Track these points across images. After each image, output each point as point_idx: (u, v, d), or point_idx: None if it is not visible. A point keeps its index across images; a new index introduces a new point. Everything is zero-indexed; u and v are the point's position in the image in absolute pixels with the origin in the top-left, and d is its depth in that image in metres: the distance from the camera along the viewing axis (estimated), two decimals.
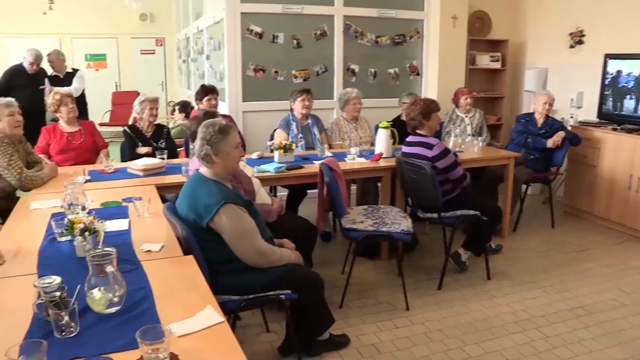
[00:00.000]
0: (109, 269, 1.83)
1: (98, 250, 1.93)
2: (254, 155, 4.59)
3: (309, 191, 4.84)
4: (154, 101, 4.81)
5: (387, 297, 3.79)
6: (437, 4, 6.35)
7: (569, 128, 5.59)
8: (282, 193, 4.99)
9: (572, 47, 6.25)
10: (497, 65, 6.93)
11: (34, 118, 5.33)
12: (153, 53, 11.75)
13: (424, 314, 3.57)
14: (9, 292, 2.08)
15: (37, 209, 3.15)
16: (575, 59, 6.22)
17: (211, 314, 1.80)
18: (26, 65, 6.42)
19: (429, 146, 3.95)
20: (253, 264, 2.59)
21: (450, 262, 4.15)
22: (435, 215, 4.03)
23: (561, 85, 6.32)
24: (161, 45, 11.73)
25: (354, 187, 5.30)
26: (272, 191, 4.96)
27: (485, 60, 6.91)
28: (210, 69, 6.99)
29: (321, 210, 3.80)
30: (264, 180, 3.85)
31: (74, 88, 6.51)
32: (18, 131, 3.77)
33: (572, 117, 6.12)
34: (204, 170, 2.70)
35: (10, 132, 3.71)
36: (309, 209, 4.82)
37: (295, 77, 5.97)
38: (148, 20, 11.36)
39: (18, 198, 3.51)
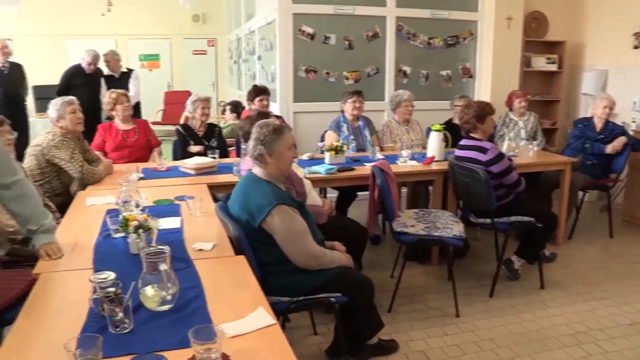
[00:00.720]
0: (163, 266, 1.85)
1: (152, 248, 1.94)
2: (305, 157, 4.59)
3: (358, 193, 4.81)
4: (206, 100, 4.87)
5: (436, 303, 3.72)
6: (491, 4, 6.21)
7: (631, 133, 5.36)
8: (332, 195, 4.97)
9: (636, 47, 5.99)
10: (554, 68, 6.72)
11: (91, 116, 5.47)
12: (205, 53, 11.93)
13: (475, 321, 3.48)
14: (67, 285, 2.13)
15: (92, 205, 3.23)
16: (639, 60, 5.97)
17: (263, 316, 1.79)
18: (84, 65, 6.61)
19: (483, 150, 3.86)
20: (304, 266, 2.58)
21: (503, 269, 4.03)
22: (487, 220, 3.93)
23: (623, 88, 6.06)
24: (213, 45, 11.90)
25: (404, 190, 5.23)
26: (322, 193, 4.95)
27: (541, 62, 6.72)
28: (262, 69, 7.04)
29: (372, 212, 3.76)
30: (314, 182, 3.83)
31: (133, 92, 6.69)
32: (79, 127, 3.90)
33: (634, 122, 5.88)
34: (257, 171, 2.70)
35: (73, 129, 3.84)
36: (358, 211, 4.79)
37: (347, 78, 5.95)
38: (200, 21, 11.54)
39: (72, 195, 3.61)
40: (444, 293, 3.82)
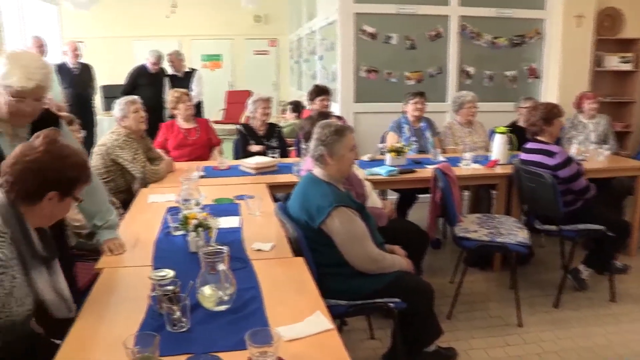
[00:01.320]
0: (221, 266, 1.85)
1: (211, 247, 1.94)
2: (366, 158, 4.54)
3: (419, 195, 4.72)
4: (267, 100, 4.89)
5: (498, 311, 3.59)
6: (559, 2, 5.96)
7: None
8: (392, 197, 4.90)
9: None
10: (629, 67, 6.39)
11: (154, 115, 5.62)
12: (266, 54, 12.05)
13: (539, 332, 3.34)
14: (128, 281, 2.17)
15: (154, 202, 3.28)
16: None
17: (320, 320, 1.76)
18: (148, 65, 6.80)
19: (551, 154, 3.70)
20: (363, 270, 2.53)
21: (569, 279, 3.86)
22: (553, 227, 3.76)
23: None
24: (274, 46, 12.01)
25: (466, 194, 5.10)
26: (382, 195, 4.88)
27: (614, 62, 6.40)
28: (323, 69, 7.03)
29: (433, 216, 3.67)
30: (375, 184, 3.77)
31: (196, 92, 6.84)
32: (142, 126, 3.98)
33: None
34: (318, 172, 2.68)
35: (136, 128, 3.92)
36: (418, 214, 4.69)
37: (408, 78, 5.85)
38: (262, 22, 11.67)
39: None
40: (506, 301, 3.69)
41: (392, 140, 4.76)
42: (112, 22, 10.81)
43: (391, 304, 2.52)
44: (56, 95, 5.87)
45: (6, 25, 5.76)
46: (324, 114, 3.63)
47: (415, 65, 5.87)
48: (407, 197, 4.73)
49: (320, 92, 5.11)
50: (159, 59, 6.84)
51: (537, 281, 4.06)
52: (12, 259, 1.63)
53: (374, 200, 3.38)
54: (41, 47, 5.88)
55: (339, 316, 2.54)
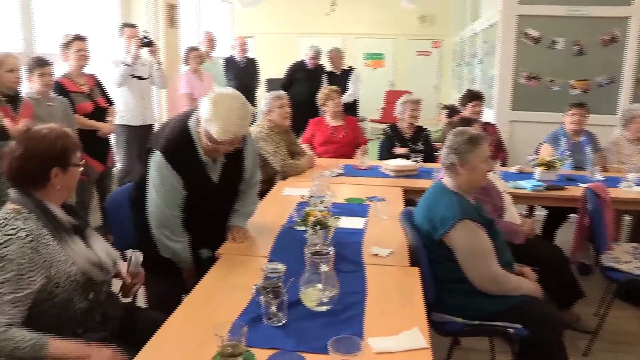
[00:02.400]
0: (324, 268, 1.84)
1: (318, 247, 1.94)
2: (513, 169, 4.27)
3: (570, 215, 4.32)
4: (416, 103, 4.80)
5: None
6: None
7: None
8: (540, 213, 4.55)
9: None
10: None
11: (309, 110, 5.78)
12: (429, 55, 11.86)
13: None
14: (241, 270, 2.24)
15: (287, 195, 3.37)
16: None
17: (416, 337, 1.67)
18: (307, 60, 7.01)
19: None
20: (483, 289, 2.37)
21: None
22: None
23: None
24: (438, 47, 11.77)
25: (627, 219, 4.57)
26: (529, 210, 4.56)
27: None
28: (482, 74, 6.74)
29: (578, 240, 3.33)
30: (517, 198, 3.54)
31: (352, 90, 6.97)
32: (286, 122, 4.11)
33: None
34: (447, 181, 2.56)
35: (280, 122, 4.07)
36: (568, 235, 4.29)
37: (573, 87, 5.38)
38: (427, 23, 11.49)
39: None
40: None
41: (545, 152, 4.41)
42: (278, 19, 11.35)
43: (511, 330, 2.33)
44: (221, 87, 6.30)
45: (184, 21, 6.27)
46: (467, 121, 3.45)
47: (582, 73, 5.36)
48: (556, 216, 4.35)
49: (473, 97, 4.89)
50: (317, 54, 7.02)
51: None
52: (40, 230, 1.78)
53: (512, 215, 3.16)
54: (211, 42, 6.33)
55: (452, 334, 2.42)
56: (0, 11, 4.06)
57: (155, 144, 2.44)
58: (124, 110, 4.78)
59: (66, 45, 4.08)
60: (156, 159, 2.39)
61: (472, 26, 7.78)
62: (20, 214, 1.79)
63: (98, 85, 4.36)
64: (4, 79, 3.21)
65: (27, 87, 3.70)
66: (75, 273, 1.84)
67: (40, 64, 3.67)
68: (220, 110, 2.25)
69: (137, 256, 2.15)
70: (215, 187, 2.53)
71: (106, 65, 4.80)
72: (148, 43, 4.86)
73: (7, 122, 2.94)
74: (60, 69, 4.13)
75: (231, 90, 2.39)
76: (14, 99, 3.30)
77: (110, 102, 4.43)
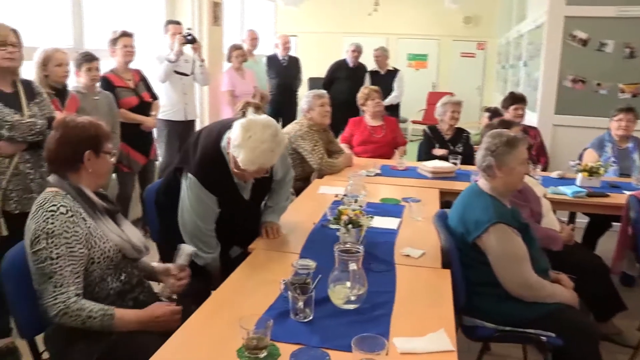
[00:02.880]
0: (352, 266, 1.83)
1: (348, 246, 1.94)
2: (554, 174, 4.17)
3: (614, 223, 4.19)
4: (457, 104, 4.75)
5: None
6: None
7: None
8: (582, 220, 4.43)
9: None
10: None
11: (350, 110, 5.78)
12: (473, 56, 11.69)
13: None
14: (272, 265, 2.27)
15: (323, 194, 3.38)
16: None
17: (442, 339, 1.66)
18: (348, 56, 7.02)
19: None
20: (516, 294, 2.32)
21: None
22: None
23: None
24: (482, 49, 11.59)
25: None
26: (570, 217, 4.44)
27: None
28: (526, 76, 6.61)
29: (620, 249, 3.23)
30: (557, 204, 3.46)
31: (398, 93, 6.98)
32: (326, 120, 4.12)
33: None
34: (482, 183, 2.52)
35: (320, 121, 4.08)
36: (611, 244, 4.16)
37: (622, 91, 5.21)
38: (472, 24, 11.33)
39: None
40: None
41: (589, 158, 4.29)
42: (322, 18, 11.38)
43: (544, 338, 2.28)
44: (262, 84, 6.36)
45: (227, 19, 6.35)
46: (506, 123, 3.39)
47: (633, 76, 5.17)
48: (599, 224, 4.23)
49: (515, 100, 4.79)
50: (358, 48, 7.03)
51: None
52: (77, 208, 1.90)
53: (550, 220, 3.09)
54: (254, 40, 6.39)
55: (482, 339, 2.38)
56: (52, 8, 4.20)
57: (188, 165, 2.47)
58: (166, 105, 4.88)
59: (113, 42, 4.20)
60: (191, 182, 2.42)
61: (517, 27, 7.64)
62: (58, 194, 1.91)
63: (143, 80, 4.47)
64: (53, 73, 3.32)
65: (75, 81, 3.82)
66: (109, 249, 1.94)
67: (88, 59, 3.78)
68: (249, 139, 2.20)
69: (186, 249, 2.20)
70: (247, 203, 2.59)
71: (151, 61, 4.91)
72: (191, 40, 4.94)
73: (57, 114, 3.04)
74: (108, 64, 4.24)
75: (265, 118, 2.30)
76: (61, 93, 3.41)
77: (154, 97, 4.53)
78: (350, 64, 7.04)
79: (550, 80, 5.29)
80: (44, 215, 1.84)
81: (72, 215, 1.86)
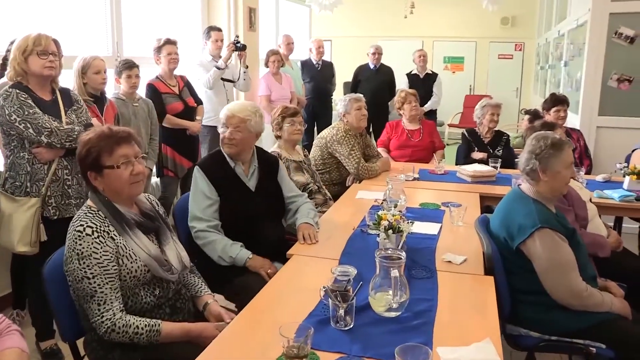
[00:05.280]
0: (394, 273, 1.79)
1: (390, 252, 1.89)
2: (599, 178, 4.04)
3: None
4: (497, 107, 4.65)
5: None
6: None
7: None
8: (631, 225, 4.27)
9: None
10: None
11: (373, 111, 5.70)
12: (511, 58, 11.47)
13: None
14: (311, 271, 2.25)
15: (361, 199, 3.34)
16: None
17: (488, 349, 1.60)
18: (369, 59, 7.05)
19: None
20: (563, 303, 2.23)
21: None
22: None
23: None
24: (520, 50, 11.36)
25: None
26: (616, 222, 4.29)
27: None
28: (567, 77, 6.44)
29: None
30: (603, 208, 3.35)
31: (437, 99, 6.96)
32: (362, 124, 4.10)
33: None
34: (526, 187, 2.44)
35: (356, 125, 4.05)
36: None
37: None
38: (509, 25, 11.13)
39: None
40: None
41: (638, 160, 4.14)
42: (357, 22, 11.34)
43: (593, 349, 2.19)
44: (298, 89, 6.36)
45: (262, 24, 6.37)
46: (548, 125, 3.29)
47: None
48: None
49: (557, 101, 4.66)
50: (377, 48, 7.05)
51: None
52: (107, 226, 1.89)
53: (596, 226, 2.98)
54: (289, 45, 6.39)
55: (527, 348, 2.30)
56: (91, 17, 4.28)
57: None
58: (210, 111, 4.92)
59: (158, 49, 4.27)
60: (195, 172, 2.71)
61: (558, 27, 7.46)
62: (90, 211, 1.92)
63: (187, 85, 4.53)
64: (91, 81, 3.37)
65: (115, 88, 3.87)
66: (137, 270, 1.92)
67: (128, 66, 3.83)
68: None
69: (218, 298, 2.23)
70: (252, 193, 2.75)
71: (191, 67, 4.95)
72: (242, 47, 4.98)
73: (95, 121, 3.09)
74: (146, 71, 4.30)
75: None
76: (99, 100, 3.46)
77: (198, 102, 4.59)
78: (372, 66, 7.01)
79: (593, 80, 5.13)
80: (73, 235, 1.85)
81: (98, 236, 1.85)
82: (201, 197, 2.64)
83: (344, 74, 8.43)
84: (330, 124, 7.10)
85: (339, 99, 4.15)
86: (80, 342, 2.03)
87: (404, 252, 1.89)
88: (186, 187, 4.62)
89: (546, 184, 2.36)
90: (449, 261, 2.35)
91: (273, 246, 2.64)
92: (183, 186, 4.65)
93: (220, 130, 2.73)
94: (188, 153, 4.47)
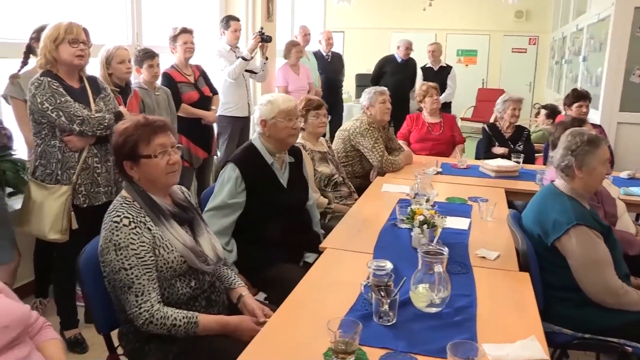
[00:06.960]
0: (438, 268, 1.78)
1: (432, 247, 1.88)
2: (624, 174, 4.01)
3: None
4: (518, 102, 4.62)
5: None
6: None
7: None
8: None
9: None
10: None
11: (397, 104, 5.68)
12: (524, 52, 11.40)
13: None
14: (345, 265, 2.23)
15: (386, 192, 3.33)
16: None
17: (534, 347, 1.59)
18: (399, 53, 6.95)
19: None
20: (598, 300, 2.21)
21: None
22: None
23: None
24: (534, 44, 11.28)
25: None
26: (637, 219, 4.26)
27: None
28: (586, 72, 6.39)
29: None
30: (630, 205, 3.32)
31: (452, 91, 6.95)
32: (386, 117, 4.08)
33: None
34: (560, 184, 2.42)
35: (380, 118, 4.02)
36: None
37: None
38: (523, 18, 11.05)
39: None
40: None
41: None
42: (372, 14, 11.27)
43: (629, 347, 2.17)
44: (315, 81, 6.33)
45: (279, 16, 6.33)
46: (579, 121, 3.26)
47: None
48: None
49: (579, 97, 4.62)
50: (409, 44, 6.98)
51: None
52: (143, 217, 1.88)
53: (625, 223, 2.96)
54: (306, 36, 6.36)
55: (560, 346, 2.29)
56: (111, 6, 4.25)
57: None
58: (230, 102, 4.90)
59: (174, 38, 4.23)
60: (227, 168, 2.66)
61: (576, 21, 7.39)
62: (126, 202, 1.90)
63: (203, 75, 4.50)
64: (116, 70, 3.36)
65: (135, 77, 3.85)
66: (173, 260, 1.90)
67: (149, 55, 3.81)
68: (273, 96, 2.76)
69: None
70: (285, 190, 2.72)
71: (211, 56, 4.93)
72: (267, 39, 4.95)
73: (123, 109, 3.07)
74: (165, 60, 4.28)
75: None
76: (124, 90, 3.45)
77: (214, 92, 4.55)
78: (399, 60, 6.96)
79: (615, 75, 5.10)
80: (110, 226, 1.83)
81: (135, 227, 1.83)
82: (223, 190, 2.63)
83: (355, 66, 8.40)
84: (341, 115, 7.17)
85: (364, 92, 4.12)
86: (114, 334, 2.03)
87: (445, 248, 1.88)
88: (202, 177, 4.63)
89: (581, 180, 2.33)
90: (483, 257, 2.34)
91: (306, 239, 2.65)
92: (199, 177, 4.64)
93: (283, 122, 2.65)
94: (203, 143, 4.44)
